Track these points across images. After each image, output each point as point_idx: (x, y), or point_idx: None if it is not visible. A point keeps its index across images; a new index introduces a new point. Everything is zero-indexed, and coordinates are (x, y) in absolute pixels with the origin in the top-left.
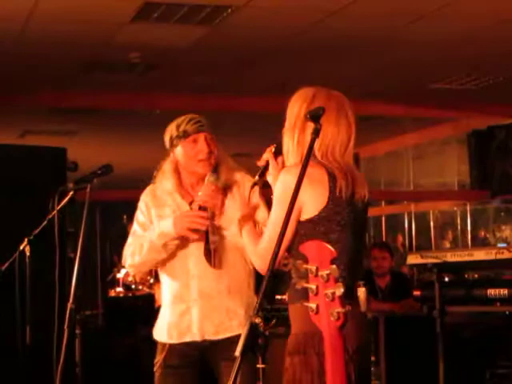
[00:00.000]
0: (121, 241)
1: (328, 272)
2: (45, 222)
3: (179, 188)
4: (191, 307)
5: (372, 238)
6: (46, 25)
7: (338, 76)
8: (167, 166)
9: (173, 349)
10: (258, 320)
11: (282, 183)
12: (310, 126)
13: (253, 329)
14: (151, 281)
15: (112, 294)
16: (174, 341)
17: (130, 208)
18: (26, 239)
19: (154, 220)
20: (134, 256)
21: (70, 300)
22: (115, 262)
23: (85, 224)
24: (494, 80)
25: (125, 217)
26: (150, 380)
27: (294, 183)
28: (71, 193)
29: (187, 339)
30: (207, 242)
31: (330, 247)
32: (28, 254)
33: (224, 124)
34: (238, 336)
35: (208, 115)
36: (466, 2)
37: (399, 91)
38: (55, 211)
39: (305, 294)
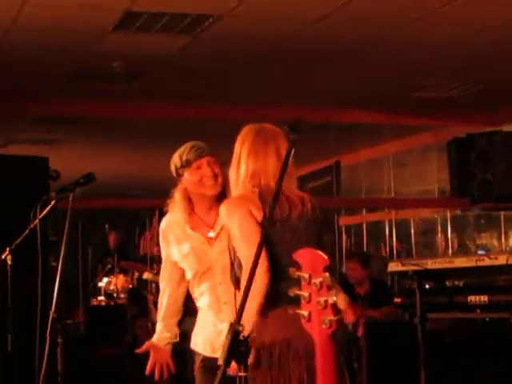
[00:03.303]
0: (103, 249)
1: (321, 280)
2: (27, 231)
3: (189, 218)
4: (224, 329)
5: (353, 245)
6: (28, 33)
7: (321, 84)
8: (177, 195)
9: (207, 360)
10: (240, 328)
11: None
12: (244, 163)
13: (235, 337)
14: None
15: (94, 302)
16: (208, 354)
17: (112, 216)
18: (7, 248)
19: (175, 253)
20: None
21: (52, 309)
22: (97, 270)
23: (67, 233)
24: (476, 88)
25: (107, 225)
26: None
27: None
28: (53, 202)
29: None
30: (233, 269)
31: (323, 255)
32: (10, 263)
33: (208, 133)
34: None
35: (192, 124)
36: (447, 10)
37: (382, 99)
38: (37, 220)
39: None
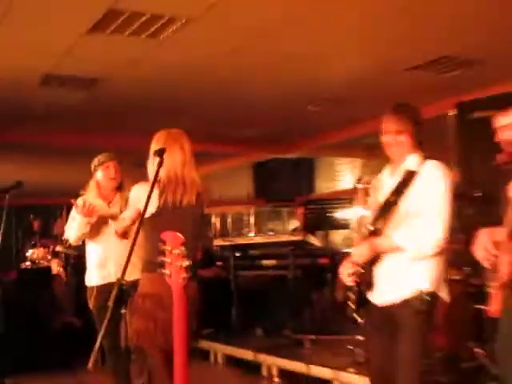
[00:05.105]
0: (29, 232)
1: (178, 251)
2: None
3: (100, 195)
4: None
5: None
6: None
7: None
8: (92, 183)
9: (99, 291)
10: (123, 282)
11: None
12: (154, 159)
13: (120, 288)
14: (49, 257)
15: (23, 266)
16: (100, 282)
17: (35, 209)
18: None
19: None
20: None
21: None
22: (26, 245)
23: (5, 220)
24: (267, 129)
25: (32, 215)
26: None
27: (140, 192)
28: None
29: (107, 281)
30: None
31: (180, 235)
32: None
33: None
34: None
35: None
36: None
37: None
38: None
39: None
